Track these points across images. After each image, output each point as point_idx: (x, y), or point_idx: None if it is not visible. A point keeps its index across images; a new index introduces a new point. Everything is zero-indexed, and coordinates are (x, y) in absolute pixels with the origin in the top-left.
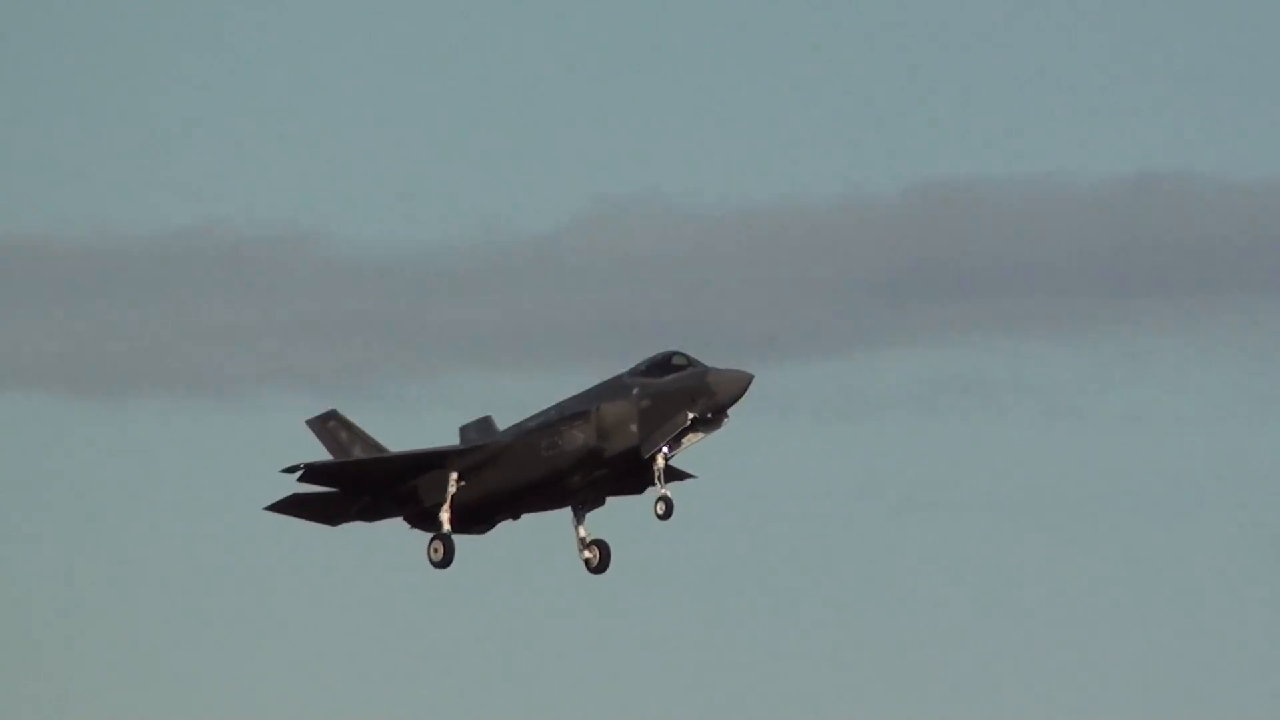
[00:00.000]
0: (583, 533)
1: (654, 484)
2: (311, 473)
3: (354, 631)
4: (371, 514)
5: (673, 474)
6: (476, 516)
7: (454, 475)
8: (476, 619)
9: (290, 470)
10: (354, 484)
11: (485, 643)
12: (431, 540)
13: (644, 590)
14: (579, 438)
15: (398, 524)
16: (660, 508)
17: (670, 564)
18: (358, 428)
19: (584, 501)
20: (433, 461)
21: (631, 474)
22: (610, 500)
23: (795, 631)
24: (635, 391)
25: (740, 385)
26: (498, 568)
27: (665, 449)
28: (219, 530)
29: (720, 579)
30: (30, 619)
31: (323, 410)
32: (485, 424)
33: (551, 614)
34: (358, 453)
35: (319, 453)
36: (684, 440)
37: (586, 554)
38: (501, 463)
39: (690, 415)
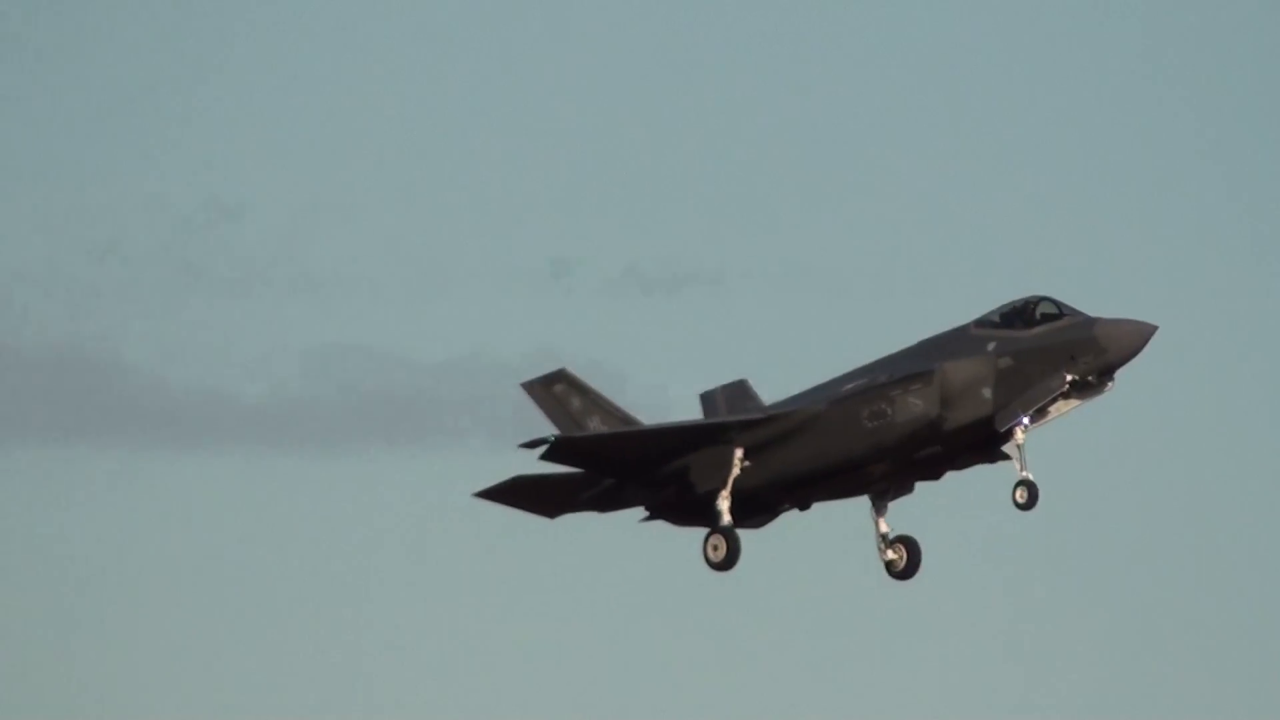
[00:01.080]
0: (885, 527)
1: (1014, 464)
2: (559, 448)
3: (608, 645)
4: (608, 502)
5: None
6: (756, 505)
7: (739, 452)
8: (757, 633)
9: (533, 445)
10: (607, 463)
11: (768, 661)
12: (710, 536)
13: (962, 598)
14: (916, 405)
15: (631, 515)
16: (1021, 495)
17: (993, 565)
18: (595, 391)
19: (887, 488)
20: (712, 435)
21: (970, 451)
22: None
23: (1144, 649)
24: (991, 347)
25: (1140, 339)
26: (781, 570)
27: (1026, 420)
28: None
29: (1058, 582)
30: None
31: (548, 370)
32: (741, 389)
33: (849, 627)
34: (597, 424)
35: (541, 423)
36: (1052, 409)
37: (890, 554)
38: (806, 437)
39: (1069, 377)
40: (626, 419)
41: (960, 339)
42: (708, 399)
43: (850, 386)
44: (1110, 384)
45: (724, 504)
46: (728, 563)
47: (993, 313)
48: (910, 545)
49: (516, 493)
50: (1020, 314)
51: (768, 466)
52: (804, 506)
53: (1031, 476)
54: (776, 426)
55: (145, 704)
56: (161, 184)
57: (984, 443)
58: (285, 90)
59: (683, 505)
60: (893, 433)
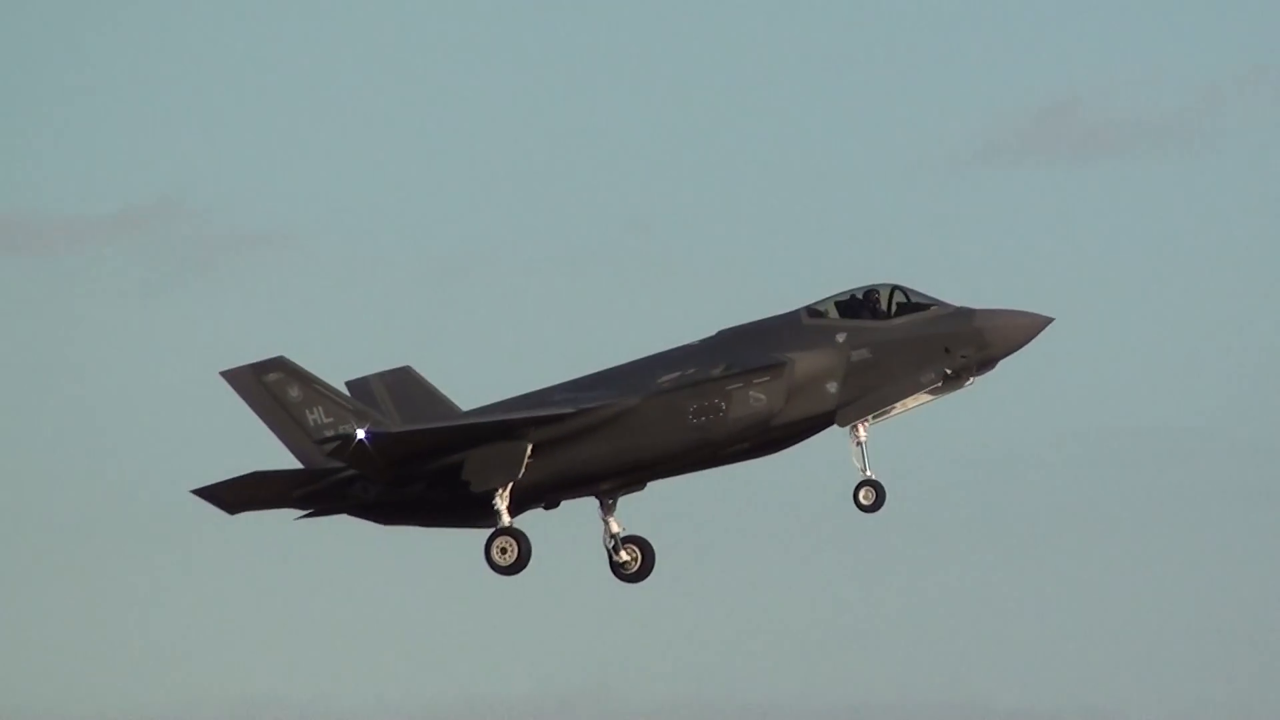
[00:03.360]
0: (616, 527)
1: (854, 464)
2: (371, 444)
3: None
4: (323, 499)
5: None
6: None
7: (529, 448)
8: (493, 637)
9: (329, 440)
10: (394, 459)
11: (498, 666)
12: (496, 537)
13: (695, 602)
14: (759, 400)
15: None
16: (866, 496)
17: (732, 561)
18: (318, 379)
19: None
20: (507, 430)
21: (774, 446)
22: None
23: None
24: (841, 338)
25: (1031, 331)
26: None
27: (870, 417)
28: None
29: (799, 582)
30: None
31: (260, 357)
32: (405, 376)
33: (578, 632)
34: (320, 415)
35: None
36: (898, 405)
37: (624, 555)
38: (611, 432)
39: (946, 370)
40: (357, 409)
41: (791, 329)
42: (359, 387)
43: (670, 378)
44: (971, 381)
45: (503, 504)
46: (518, 565)
47: (825, 301)
48: (644, 546)
49: (237, 489)
50: (865, 304)
51: (551, 464)
52: (552, 505)
53: (875, 476)
54: (582, 421)
55: None
56: None
57: (797, 437)
58: None
59: (441, 504)
60: (723, 430)
